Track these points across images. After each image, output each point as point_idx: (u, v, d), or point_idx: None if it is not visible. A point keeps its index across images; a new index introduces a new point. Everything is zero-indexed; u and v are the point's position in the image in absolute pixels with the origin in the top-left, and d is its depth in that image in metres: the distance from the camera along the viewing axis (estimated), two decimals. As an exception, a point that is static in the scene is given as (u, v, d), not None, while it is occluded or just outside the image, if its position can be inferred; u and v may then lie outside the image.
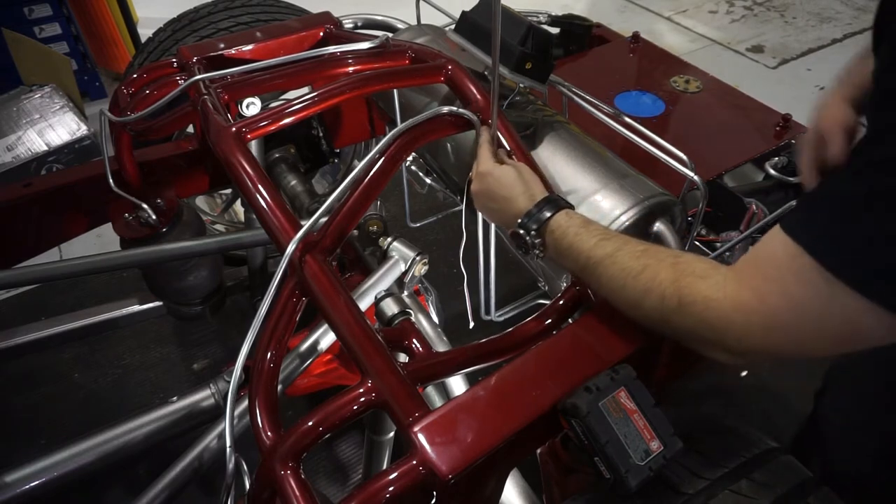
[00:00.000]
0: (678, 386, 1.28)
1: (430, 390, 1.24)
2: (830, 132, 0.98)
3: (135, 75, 1.40)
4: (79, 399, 1.98)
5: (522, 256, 1.34)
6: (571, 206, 0.95)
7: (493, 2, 0.83)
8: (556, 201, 0.94)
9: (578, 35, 2.00)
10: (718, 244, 1.41)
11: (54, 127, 2.67)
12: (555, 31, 1.95)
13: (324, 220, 1.00)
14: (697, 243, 1.44)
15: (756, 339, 0.67)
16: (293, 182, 1.79)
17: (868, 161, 0.60)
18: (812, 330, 0.64)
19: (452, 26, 1.46)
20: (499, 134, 1.11)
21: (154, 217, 1.43)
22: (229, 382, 0.85)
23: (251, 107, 1.29)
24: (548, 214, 0.92)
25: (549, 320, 0.96)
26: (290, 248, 0.93)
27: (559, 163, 1.22)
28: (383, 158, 1.04)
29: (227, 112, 1.17)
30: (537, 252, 0.93)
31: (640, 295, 0.77)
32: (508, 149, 1.10)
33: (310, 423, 0.79)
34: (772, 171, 1.49)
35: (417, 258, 1.26)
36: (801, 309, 0.63)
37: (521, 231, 0.93)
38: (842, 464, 1.08)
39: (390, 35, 1.40)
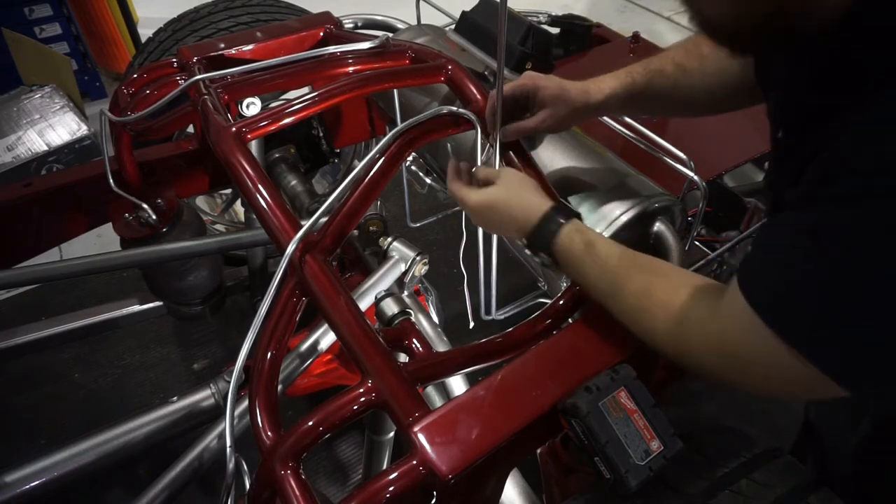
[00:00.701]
0: (678, 386, 1.28)
1: (430, 390, 1.24)
2: (539, 98, 1.02)
3: (135, 75, 1.40)
4: (79, 399, 1.98)
5: (526, 259, 1.34)
6: (576, 215, 0.91)
7: (499, 6, 0.82)
8: (555, 217, 0.89)
9: (578, 35, 2.00)
10: (718, 244, 1.41)
11: (54, 127, 2.67)
12: (555, 31, 1.95)
13: (324, 220, 1.00)
14: (697, 243, 1.44)
15: (743, 382, 0.70)
16: (293, 182, 1.79)
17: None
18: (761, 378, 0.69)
19: (452, 26, 1.46)
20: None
21: (154, 217, 1.43)
22: (229, 382, 0.85)
23: (251, 107, 1.29)
24: (552, 230, 0.88)
25: (549, 320, 0.96)
26: (290, 248, 0.93)
27: (559, 163, 1.22)
28: (383, 158, 1.04)
29: (227, 112, 1.17)
30: (548, 261, 0.91)
31: (642, 335, 0.80)
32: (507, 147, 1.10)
33: (310, 423, 0.79)
34: (772, 171, 1.49)
35: (417, 258, 1.26)
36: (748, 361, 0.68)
37: (529, 252, 0.92)
38: (829, 466, 1.08)
39: (390, 35, 1.40)
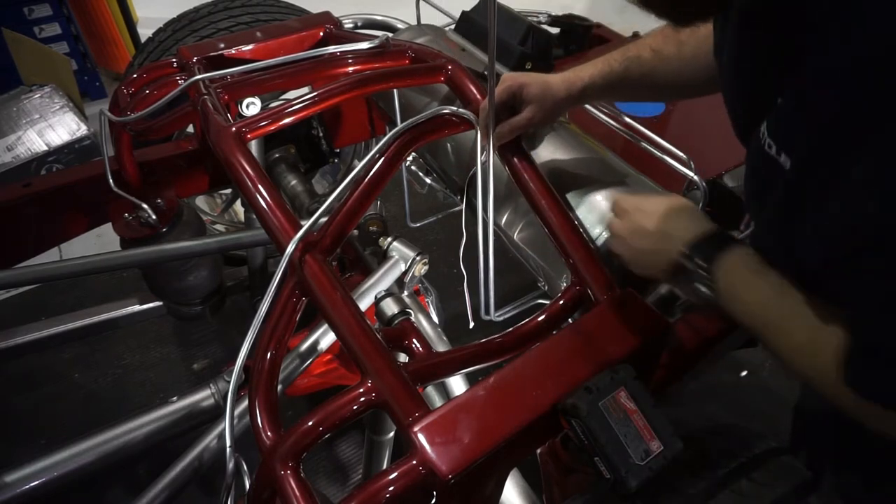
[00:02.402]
0: (678, 386, 1.28)
1: (430, 390, 1.24)
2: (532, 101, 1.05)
3: (135, 75, 1.40)
4: (79, 399, 1.98)
5: (526, 259, 1.34)
6: (745, 244, 0.79)
7: (489, 2, 0.84)
8: (728, 236, 0.79)
9: (578, 35, 2.00)
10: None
11: (54, 127, 2.67)
12: (555, 31, 1.95)
13: (324, 220, 1.00)
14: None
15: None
16: (293, 182, 1.79)
17: None
18: None
19: (452, 26, 1.46)
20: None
21: (154, 217, 1.43)
22: (229, 382, 0.85)
23: (251, 107, 1.29)
24: (720, 244, 0.77)
25: (550, 320, 0.96)
26: (290, 248, 0.93)
27: (559, 162, 1.22)
28: (383, 158, 1.04)
29: (227, 112, 1.17)
30: (705, 291, 0.78)
31: (803, 377, 0.72)
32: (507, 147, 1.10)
33: (310, 423, 0.79)
34: (772, 171, 1.49)
35: (417, 258, 1.26)
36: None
37: (691, 266, 0.78)
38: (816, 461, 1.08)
39: (390, 35, 1.40)
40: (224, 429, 0.82)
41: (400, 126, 1.06)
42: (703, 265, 0.77)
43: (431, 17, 1.69)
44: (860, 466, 0.96)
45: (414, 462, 0.74)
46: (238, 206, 2.11)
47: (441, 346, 1.21)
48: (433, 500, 0.75)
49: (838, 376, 0.65)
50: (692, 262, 0.78)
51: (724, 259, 0.76)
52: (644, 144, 1.23)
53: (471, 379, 1.13)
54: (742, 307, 0.75)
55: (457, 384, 1.19)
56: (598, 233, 1.14)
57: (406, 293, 1.26)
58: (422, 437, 0.75)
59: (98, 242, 2.28)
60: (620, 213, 0.91)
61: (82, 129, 2.67)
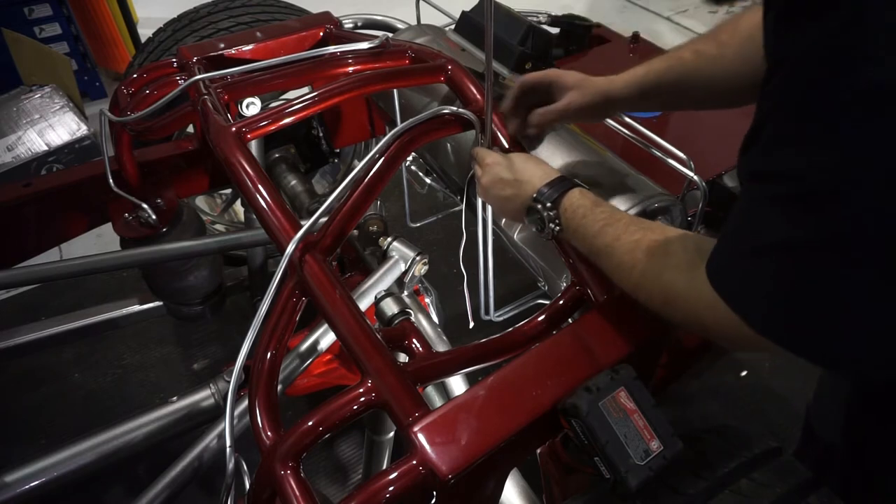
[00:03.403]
0: (678, 386, 1.28)
1: (430, 390, 1.24)
2: (559, 89, 1.05)
3: (135, 75, 1.41)
4: (79, 399, 1.98)
5: (526, 259, 1.34)
6: (584, 186, 0.94)
7: (486, 3, 0.84)
8: (569, 179, 0.93)
9: (578, 35, 2.00)
10: (718, 244, 1.41)
11: (54, 127, 2.67)
12: (555, 31, 1.95)
13: (324, 220, 1.00)
14: (697, 243, 1.43)
15: (726, 337, 0.70)
16: (293, 182, 1.79)
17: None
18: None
19: (452, 26, 1.46)
20: (498, 134, 1.11)
21: (154, 217, 1.43)
22: (229, 382, 0.85)
23: (251, 107, 1.29)
24: (562, 190, 0.91)
25: (550, 320, 0.96)
26: (290, 248, 0.93)
27: (559, 163, 1.22)
28: (383, 158, 1.04)
29: (227, 112, 1.17)
30: (554, 227, 0.91)
31: (634, 289, 0.81)
32: (507, 146, 1.10)
33: (310, 423, 0.79)
34: (772, 171, 1.49)
35: (417, 258, 1.26)
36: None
37: (539, 206, 0.92)
38: (827, 466, 1.08)
39: (390, 35, 1.40)
40: (224, 429, 0.82)
41: (400, 126, 1.06)
42: (549, 205, 0.91)
43: (431, 17, 1.69)
44: (868, 466, 0.96)
45: (414, 462, 0.74)
46: (238, 206, 2.11)
47: (441, 346, 1.21)
48: (433, 501, 0.75)
49: (691, 275, 0.70)
50: (541, 204, 0.91)
51: (566, 197, 0.90)
52: (644, 144, 1.23)
53: (471, 379, 1.13)
54: (584, 233, 0.87)
55: (457, 384, 1.19)
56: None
57: (406, 293, 1.26)
58: (422, 437, 0.75)
59: (98, 242, 2.28)
60: (483, 166, 1.03)
61: (82, 129, 2.67)
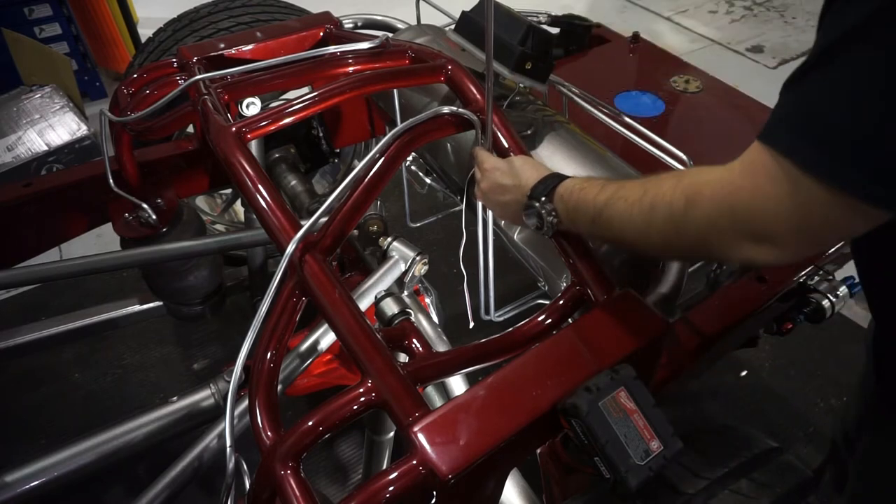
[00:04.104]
0: (678, 386, 1.28)
1: (430, 390, 1.24)
2: None
3: (135, 75, 1.40)
4: (79, 399, 1.98)
5: (526, 259, 1.34)
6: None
7: (486, 3, 0.84)
8: (561, 175, 0.95)
9: (578, 35, 2.00)
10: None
11: (54, 127, 2.67)
12: (555, 31, 1.95)
13: (324, 220, 1.00)
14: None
15: (766, 217, 0.64)
16: (293, 182, 1.79)
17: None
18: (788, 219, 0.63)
19: (452, 26, 1.46)
20: (498, 134, 1.11)
21: (154, 217, 1.43)
22: (229, 382, 0.85)
23: (251, 107, 1.29)
24: (554, 183, 0.92)
25: (549, 320, 0.96)
26: (290, 248, 0.93)
27: (559, 163, 1.22)
28: (383, 158, 1.04)
29: (227, 112, 1.17)
30: (552, 219, 0.92)
31: (648, 215, 0.75)
32: (507, 146, 1.10)
33: (310, 423, 0.79)
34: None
35: (417, 258, 1.26)
36: (767, 198, 0.63)
37: (535, 203, 0.93)
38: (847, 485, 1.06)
39: (390, 35, 1.40)
40: (224, 429, 0.82)
41: (400, 126, 1.06)
42: (543, 199, 0.92)
43: (431, 17, 1.69)
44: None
45: (414, 462, 0.74)
46: (238, 206, 2.11)
47: (441, 346, 1.21)
48: (433, 501, 0.75)
49: (725, 167, 0.67)
50: (537, 200, 0.93)
51: (559, 187, 0.92)
52: (644, 144, 1.23)
53: (471, 379, 1.13)
54: (584, 204, 0.86)
55: (457, 384, 1.19)
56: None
57: (406, 293, 1.26)
58: (422, 437, 0.75)
59: (98, 242, 2.28)
60: (482, 171, 1.05)
61: (82, 129, 2.67)
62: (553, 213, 0.92)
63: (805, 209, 0.61)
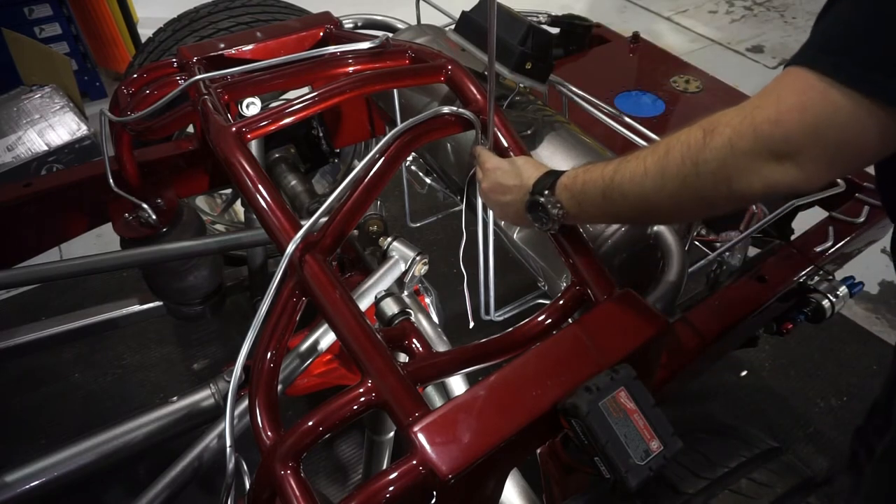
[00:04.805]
0: (678, 386, 1.28)
1: (430, 390, 1.24)
2: None
3: (135, 75, 1.40)
4: (79, 399, 1.98)
5: (526, 259, 1.34)
6: None
7: (488, 2, 0.84)
8: (560, 171, 0.95)
9: (578, 35, 2.00)
10: (718, 244, 1.41)
11: (54, 127, 2.67)
12: (555, 31, 1.95)
13: (324, 220, 1.00)
14: (697, 243, 1.44)
15: (791, 132, 0.63)
16: (293, 182, 1.79)
17: None
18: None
19: (452, 26, 1.46)
20: (498, 133, 1.11)
21: (154, 217, 1.43)
22: (229, 382, 0.85)
23: (251, 107, 1.29)
24: (556, 175, 0.93)
25: (549, 320, 0.96)
26: (290, 248, 0.93)
27: (559, 163, 1.22)
28: (383, 158, 1.04)
29: (227, 112, 1.17)
30: (558, 211, 0.91)
31: (664, 160, 0.74)
32: (507, 146, 1.10)
33: (310, 423, 0.79)
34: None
35: (417, 258, 1.26)
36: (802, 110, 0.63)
37: (539, 198, 0.92)
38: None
39: (390, 35, 1.40)
40: (224, 429, 0.82)
41: (400, 126, 1.06)
42: (546, 192, 0.92)
43: (431, 17, 1.70)
44: None
45: (414, 462, 0.74)
46: (238, 206, 2.11)
47: (441, 346, 1.21)
48: (433, 501, 0.75)
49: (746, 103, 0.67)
50: (539, 195, 0.93)
51: (562, 177, 0.92)
52: (644, 144, 1.23)
53: (471, 379, 1.13)
54: (593, 182, 0.86)
55: (457, 384, 1.19)
56: (598, 232, 1.14)
57: (406, 293, 1.26)
58: (422, 437, 0.75)
59: (98, 242, 2.28)
60: (483, 170, 1.05)
61: (82, 129, 2.67)
62: (558, 206, 0.91)
63: (829, 119, 0.61)
